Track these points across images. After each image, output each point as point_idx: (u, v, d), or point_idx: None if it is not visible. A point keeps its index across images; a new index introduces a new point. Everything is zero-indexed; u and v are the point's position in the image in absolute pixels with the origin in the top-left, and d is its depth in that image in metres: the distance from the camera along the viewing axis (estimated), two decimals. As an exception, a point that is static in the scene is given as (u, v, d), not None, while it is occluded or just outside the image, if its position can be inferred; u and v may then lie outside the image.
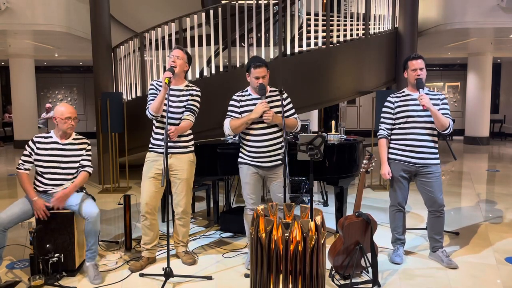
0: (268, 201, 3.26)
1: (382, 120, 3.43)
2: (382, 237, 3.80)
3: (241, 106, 3.22)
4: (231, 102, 3.27)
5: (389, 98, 3.41)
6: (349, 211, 3.39)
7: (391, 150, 3.38)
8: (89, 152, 3.31)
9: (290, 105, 3.30)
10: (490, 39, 9.40)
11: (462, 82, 14.49)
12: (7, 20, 7.38)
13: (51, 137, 3.20)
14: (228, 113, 3.26)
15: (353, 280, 2.95)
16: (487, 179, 6.96)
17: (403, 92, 3.39)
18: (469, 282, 3.01)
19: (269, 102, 3.18)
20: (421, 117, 3.23)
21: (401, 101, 3.33)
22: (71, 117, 3.15)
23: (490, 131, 12.47)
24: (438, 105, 3.22)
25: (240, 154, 3.28)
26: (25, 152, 3.15)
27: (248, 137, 3.21)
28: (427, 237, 3.47)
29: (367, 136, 5.90)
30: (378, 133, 3.45)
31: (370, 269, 3.00)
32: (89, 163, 3.28)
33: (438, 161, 3.28)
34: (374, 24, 6.94)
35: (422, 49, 9.52)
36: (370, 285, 2.91)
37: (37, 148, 3.14)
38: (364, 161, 3.14)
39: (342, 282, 2.97)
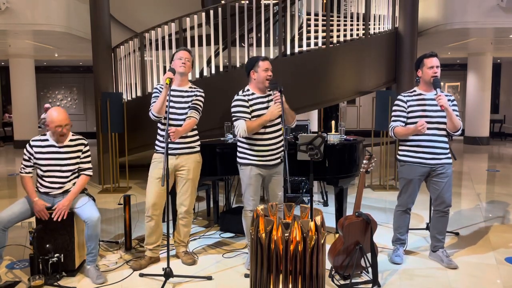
0: (267, 201, 3.27)
1: (394, 118, 3.29)
2: (382, 237, 3.80)
3: (250, 106, 3.13)
4: (238, 103, 3.12)
5: (400, 97, 3.32)
6: (349, 211, 3.39)
7: (404, 153, 3.32)
8: (87, 153, 3.23)
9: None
10: (490, 39, 9.40)
11: (462, 82, 14.49)
12: (7, 20, 7.38)
13: (47, 139, 3.13)
14: (238, 115, 3.10)
15: (353, 280, 2.96)
16: (487, 179, 6.96)
17: (414, 91, 3.30)
18: (469, 282, 3.01)
19: (269, 101, 3.18)
20: (434, 117, 3.18)
21: (413, 100, 3.24)
22: (62, 125, 3.04)
23: (490, 131, 12.46)
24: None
25: (243, 155, 3.19)
26: (24, 157, 3.12)
27: (257, 136, 3.13)
28: (429, 236, 3.46)
29: (367, 136, 5.89)
30: (390, 127, 3.30)
31: (370, 269, 3.00)
32: (88, 165, 3.23)
33: (450, 160, 3.26)
34: (374, 24, 6.94)
35: (422, 49, 9.44)
36: (370, 285, 2.91)
37: (35, 152, 3.10)
38: (364, 161, 3.14)
39: (342, 282, 2.97)
